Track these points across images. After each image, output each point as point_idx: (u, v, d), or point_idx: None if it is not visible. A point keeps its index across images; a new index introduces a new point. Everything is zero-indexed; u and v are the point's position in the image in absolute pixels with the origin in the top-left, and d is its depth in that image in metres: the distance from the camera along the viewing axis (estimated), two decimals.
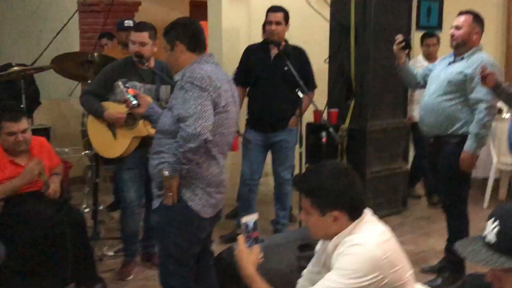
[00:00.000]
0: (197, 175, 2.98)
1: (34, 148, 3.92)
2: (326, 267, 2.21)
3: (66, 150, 5.90)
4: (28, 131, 3.86)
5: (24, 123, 3.84)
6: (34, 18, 7.48)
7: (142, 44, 4.19)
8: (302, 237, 3.82)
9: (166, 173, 2.94)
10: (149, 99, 3.41)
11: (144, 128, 4.23)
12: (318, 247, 2.37)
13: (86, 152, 5.10)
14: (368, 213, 2.23)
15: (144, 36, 4.19)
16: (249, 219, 2.24)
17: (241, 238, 2.24)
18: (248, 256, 2.22)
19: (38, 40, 7.02)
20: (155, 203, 3.09)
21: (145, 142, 4.27)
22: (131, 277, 4.45)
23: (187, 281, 3.07)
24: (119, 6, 6.67)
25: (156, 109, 3.29)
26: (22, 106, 4.78)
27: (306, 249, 3.72)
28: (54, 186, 3.93)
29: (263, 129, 5.08)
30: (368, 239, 2.11)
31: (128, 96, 3.28)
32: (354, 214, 2.18)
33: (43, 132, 5.53)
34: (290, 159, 5.20)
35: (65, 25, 6.66)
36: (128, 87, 3.32)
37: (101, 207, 5.19)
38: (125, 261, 4.52)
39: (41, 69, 4.90)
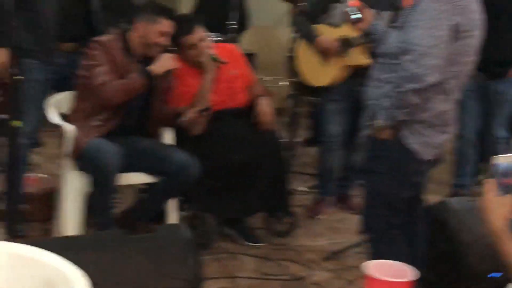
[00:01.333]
0: (422, 110, 2.54)
1: (222, 56, 3.62)
2: None
3: (268, 78, 5.70)
4: (207, 38, 3.58)
5: (200, 32, 3.54)
6: None
7: None
8: None
9: (380, 122, 2.53)
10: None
11: (357, 57, 3.83)
12: None
13: (291, 79, 4.82)
14: None
15: None
16: (506, 160, 1.75)
17: (490, 184, 1.76)
18: (499, 207, 1.74)
19: None
20: (362, 135, 2.72)
21: (356, 73, 3.89)
22: (323, 216, 4.15)
23: (392, 226, 2.68)
24: None
25: (379, 26, 2.85)
26: (233, 23, 4.62)
27: None
28: (268, 111, 3.64)
29: (479, 75, 4.37)
30: None
31: (348, 8, 2.86)
32: None
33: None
34: (507, 114, 4.47)
35: None
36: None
37: (297, 140, 4.91)
38: (318, 198, 4.22)
39: None
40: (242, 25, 5.70)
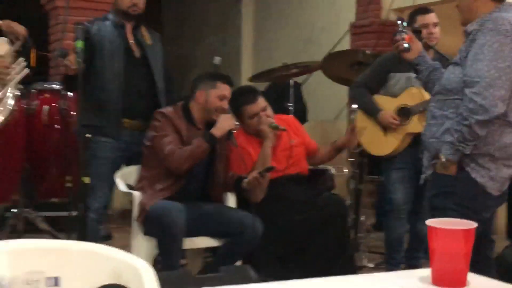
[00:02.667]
0: (486, 143, 2.52)
1: (281, 125, 3.71)
2: None
3: (329, 168, 5.70)
4: (268, 108, 3.67)
5: (262, 101, 3.66)
6: (307, 44, 7.59)
7: (435, 24, 3.83)
8: None
9: (443, 157, 2.53)
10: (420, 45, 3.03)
11: (418, 124, 3.83)
12: None
13: (351, 158, 4.81)
14: None
15: (433, 16, 3.83)
16: None
17: None
18: None
19: None
20: (424, 173, 2.70)
21: (418, 140, 3.88)
22: None
23: None
24: (392, 27, 6.42)
25: (427, 59, 2.91)
26: (290, 104, 4.73)
27: None
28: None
29: None
30: None
31: (400, 36, 2.95)
32: None
33: None
34: None
35: (335, 45, 6.65)
36: (405, 32, 2.98)
37: (362, 218, 4.82)
38: (387, 271, 4.09)
39: (310, 68, 4.81)
40: (301, 118, 5.81)
